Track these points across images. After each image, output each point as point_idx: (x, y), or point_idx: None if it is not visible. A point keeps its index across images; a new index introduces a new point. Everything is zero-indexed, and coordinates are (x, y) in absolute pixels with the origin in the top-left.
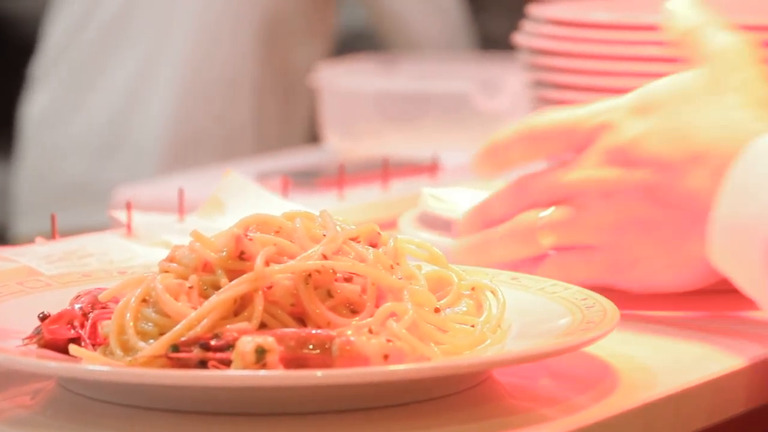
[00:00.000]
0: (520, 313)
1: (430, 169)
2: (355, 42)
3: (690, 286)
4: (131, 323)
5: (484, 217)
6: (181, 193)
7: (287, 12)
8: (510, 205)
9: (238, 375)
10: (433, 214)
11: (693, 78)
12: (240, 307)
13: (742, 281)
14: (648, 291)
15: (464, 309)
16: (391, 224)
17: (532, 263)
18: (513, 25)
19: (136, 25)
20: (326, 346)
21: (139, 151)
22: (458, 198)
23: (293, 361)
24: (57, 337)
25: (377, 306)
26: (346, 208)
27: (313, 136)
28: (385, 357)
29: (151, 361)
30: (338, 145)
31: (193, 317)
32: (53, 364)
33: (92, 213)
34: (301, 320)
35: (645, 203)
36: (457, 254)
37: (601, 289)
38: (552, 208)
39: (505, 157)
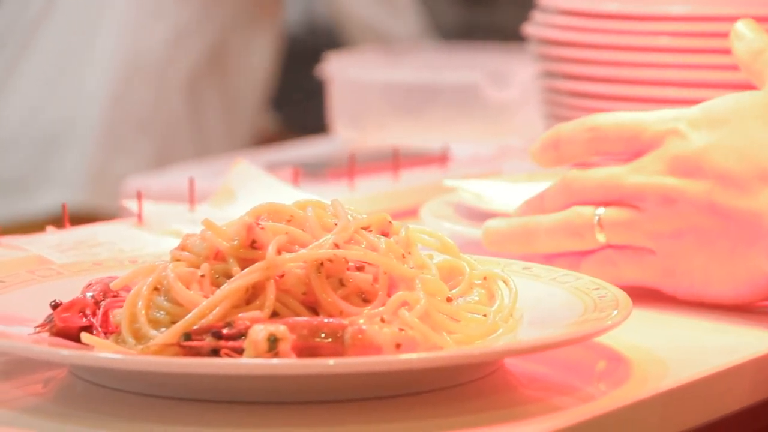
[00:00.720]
0: (532, 303)
1: (440, 159)
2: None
3: (747, 299)
4: (143, 311)
5: (538, 211)
6: (191, 182)
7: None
8: (564, 200)
9: (250, 363)
10: (470, 206)
11: (760, 97)
12: (252, 295)
13: None
14: (698, 300)
15: (476, 298)
16: (402, 214)
17: (576, 257)
18: (523, 15)
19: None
20: (338, 335)
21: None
22: (491, 190)
23: (305, 350)
24: (69, 325)
25: (389, 295)
26: (357, 199)
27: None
28: (397, 346)
29: (163, 350)
30: (348, 135)
31: (205, 306)
32: (65, 352)
33: (29, 204)
34: (313, 309)
35: (706, 214)
36: (498, 239)
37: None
38: (607, 207)
39: (566, 151)
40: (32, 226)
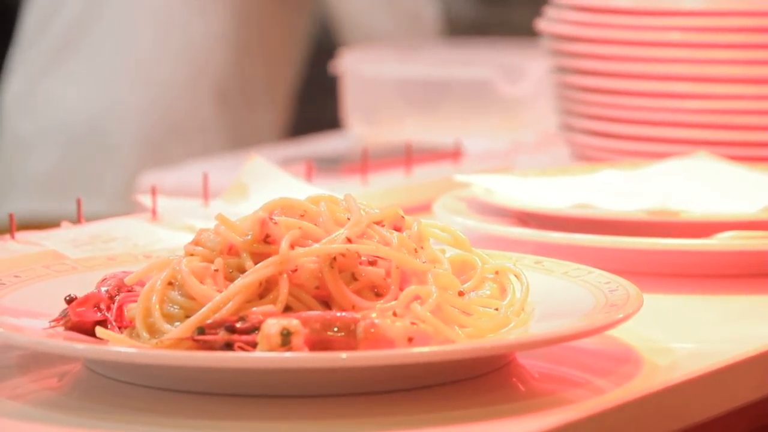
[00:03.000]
0: (543, 297)
1: (452, 155)
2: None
3: None
4: (157, 306)
5: None
6: (205, 177)
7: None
8: None
9: (263, 357)
10: (482, 201)
11: None
12: (265, 290)
13: None
14: None
15: (488, 292)
16: (414, 209)
17: None
18: (536, 11)
19: (105, 18)
20: (351, 329)
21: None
22: (503, 186)
23: (318, 344)
24: (83, 319)
25: (401, 289)
26: (370, 194)
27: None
28: (410, 340)
29: (177, 344)
30: (361, 131)
31: (219, 300)
32: (80, 346)
33: (61, 206)
34: (326, 303)
35: None
36: None
37: (624, 272)
38: None
39: None
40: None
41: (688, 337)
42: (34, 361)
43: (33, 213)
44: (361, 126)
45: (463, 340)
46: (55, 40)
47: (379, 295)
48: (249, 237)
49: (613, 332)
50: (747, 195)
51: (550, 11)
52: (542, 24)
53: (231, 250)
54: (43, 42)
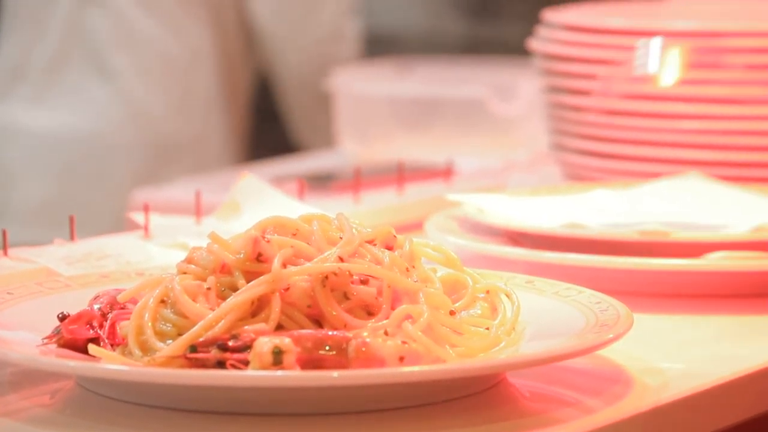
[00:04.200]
0: (534, 316)
1: (444, 173)
2: None
3: None
4: (150, 324)
5: None
6: (198, 195)
7: None
8: None
9: (255, 375)
10: (474, 220)
11: None
12: (257, 308)
13: None
14: None
15: (479, 312)
16: (406, 228)
17: None
18: (527, 29)
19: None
20: (342, 348)
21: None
22: (494, 205)
23: (310, 362)
24: (76, 336)
25: (393, 308)
26: (362, 212)
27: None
28: (401, 359)
29: (170, 362)
30: (353, 149)
31: (211, 318)
32: (73, 363)
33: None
34: (318, 322)
35: None
36: None
37: (615, 292)
38: None
39: None
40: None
41: (679, 357)
42: (26, 378)
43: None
44: (353, 144)
45: (454, 360)
46: (36, 72)
47: (370, 314)
48: (241, 255)
49: (603, 352)
50: (738, 215)
51: (542, 31)
52: (534, 43)
53: (224, 269)
54: (28, 73)
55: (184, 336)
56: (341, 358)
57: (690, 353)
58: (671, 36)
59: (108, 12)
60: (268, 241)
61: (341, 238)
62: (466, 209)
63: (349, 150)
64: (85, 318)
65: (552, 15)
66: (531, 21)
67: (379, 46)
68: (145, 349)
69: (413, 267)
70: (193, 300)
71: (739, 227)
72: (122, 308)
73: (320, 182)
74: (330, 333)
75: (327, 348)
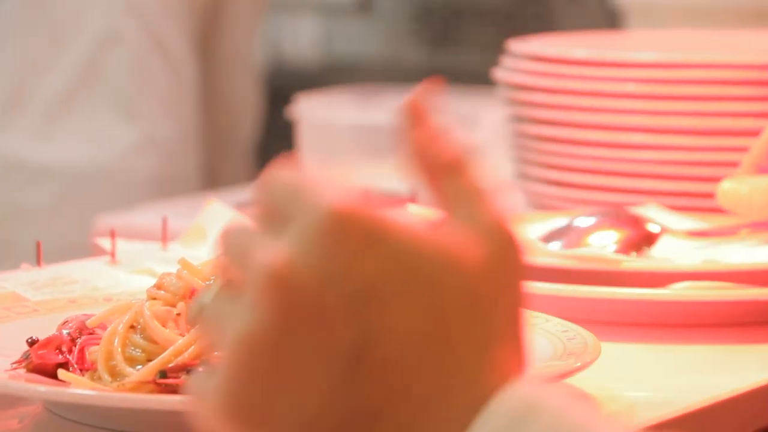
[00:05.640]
0: None
1: (408, 202)
2: None
3: None
4: (119, 349)
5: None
6: (164, 221)
7: None
8: None
9: None
10: None
11: None
12: None
13: None
14: None
15: None
16: None
17: None
18: (488, 59)
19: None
20: None
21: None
22: None
23: None
24: (45, 361)
25: None
26: None
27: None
28: None
29: (139, 387)
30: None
31: (181, 344)
32: (42, 388)
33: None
34: None
35: None
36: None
37: (582, 321)
38: None
39: None
40: None
41: (645, 385)
42: None
43: None
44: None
45: None
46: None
47: None
48: (211, 282)
49: (570, 380)
50: (703, 246)
51: (506, 61)
52: (499, 73)
53: (193, 294)
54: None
55: (153, 361)
56: None
57: (656, 382)
58: (634, 67)
59: None
60: None
61: None
62: None
63: None
64: (54, 343)
65: (517, 45)
66: (491, 50)
67: (340, 74)
68: (115, 374)
69: None
70: (163, 326)
71: (703, 257)
72: (91, 333)
73: None
74: None
75: None
